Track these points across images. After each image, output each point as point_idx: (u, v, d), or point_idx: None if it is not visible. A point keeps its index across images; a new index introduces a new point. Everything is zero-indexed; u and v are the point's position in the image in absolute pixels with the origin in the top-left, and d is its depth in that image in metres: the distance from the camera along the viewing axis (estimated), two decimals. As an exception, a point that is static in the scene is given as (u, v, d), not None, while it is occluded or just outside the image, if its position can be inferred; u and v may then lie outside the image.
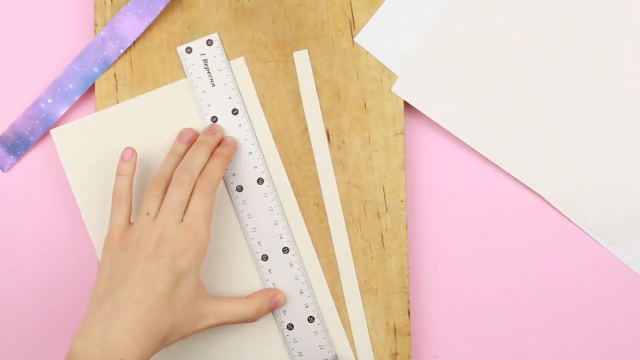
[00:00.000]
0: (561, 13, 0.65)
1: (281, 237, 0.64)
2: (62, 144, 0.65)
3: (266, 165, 0.65)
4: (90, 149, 0.65)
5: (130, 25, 0.65)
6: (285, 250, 0.64)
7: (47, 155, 0.66)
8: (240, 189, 0.64)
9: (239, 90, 0.65)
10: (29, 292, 0.66)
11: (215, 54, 0.65)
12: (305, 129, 0.65)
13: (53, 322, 0.66)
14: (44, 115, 0.66)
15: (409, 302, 0.64)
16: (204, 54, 0.65)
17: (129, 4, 0.64)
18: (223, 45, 0.66)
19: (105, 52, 0.65)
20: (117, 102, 0.66)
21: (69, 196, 0.65)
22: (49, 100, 0.65)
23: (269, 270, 0.64)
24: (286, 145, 0.65)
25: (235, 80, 0.65)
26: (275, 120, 0.66)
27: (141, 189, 0.64)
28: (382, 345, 0.64)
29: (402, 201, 0.65)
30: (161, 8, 0.64)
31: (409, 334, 0.64)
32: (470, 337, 0.65)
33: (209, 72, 0.65)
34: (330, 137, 0.65)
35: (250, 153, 0.65)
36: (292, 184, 0.65)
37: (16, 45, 0.67)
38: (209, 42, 0.65)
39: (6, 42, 0.67)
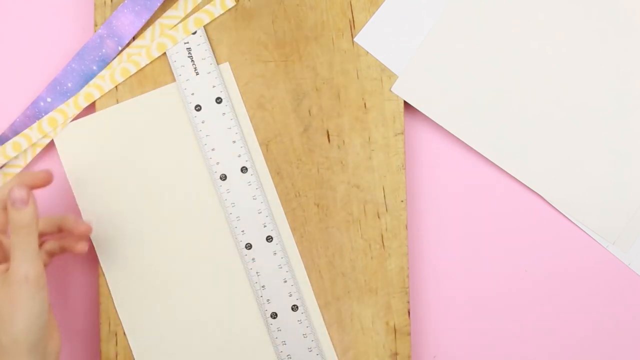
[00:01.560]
0: (561, 13, 0.65)
1: (265, 226, 0.64)
2: (62, 144, 0.65)
3: (250, 153, 0.65)
4: (90, 149, 0.65)
5: (128, 22, 0.64)
6: (269, 238, 0.64)
7: (47, 155, 0.66)
8: (224, 177, 0.64)
9: (222, 78, 0.65)
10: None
11: (199, 42, 0.65)
12: (305, 129, 0.65)
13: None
14: (43, 114, 0.65)
15: (409, 302, 0.64)
16: (187, 42, 0.65)
17: (126, 1, 0.64)
18: (223, 45, 0.66)
19: (104, 50, 0.65)
20: (117, 102, 0.65)
21: (69, 196, 0.65)
22: (48, 99, 0.65)
23: (253, 259, 0.64)
24: (286, 145, 0.65)
25: (218, 68, 0.65)
26: (275, 120, 0.65)
27: (145, 194, 0.65)
28: (382, 345, 0.64)
29: (402, 201, 0.65)
30: (158, 4, 0.64)
31: (409, 334, 0.64)
32: (470, 337, 0.65)
33: (192, 60, 0.65)
34: (330, 137, 0.65)
35: (234, 142, 0.65)
36: (292, 184, 0.65)
37: (16, 45, 0.67)
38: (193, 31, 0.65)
39: (5, 41, 0.67)
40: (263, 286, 0.64)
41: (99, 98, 0.65)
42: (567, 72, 0.65)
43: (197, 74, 0.65)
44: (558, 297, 0.65)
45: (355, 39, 0.65)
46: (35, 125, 0.64)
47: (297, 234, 0.65)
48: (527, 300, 0.65)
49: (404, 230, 0.65)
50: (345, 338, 0.65)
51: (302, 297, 0.65)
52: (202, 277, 0.64)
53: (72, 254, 0.65)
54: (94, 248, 0.64)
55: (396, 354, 0.64)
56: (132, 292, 0.64)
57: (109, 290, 0.64)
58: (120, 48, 0.65)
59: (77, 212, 0.64)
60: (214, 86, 0.65)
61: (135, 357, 0.64)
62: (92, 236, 0.64)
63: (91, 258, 0.66)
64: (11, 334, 0.51)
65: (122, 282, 0.64)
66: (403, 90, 0.65)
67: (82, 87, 0.65)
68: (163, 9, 0.65)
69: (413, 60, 0.65)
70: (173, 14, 0.65)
